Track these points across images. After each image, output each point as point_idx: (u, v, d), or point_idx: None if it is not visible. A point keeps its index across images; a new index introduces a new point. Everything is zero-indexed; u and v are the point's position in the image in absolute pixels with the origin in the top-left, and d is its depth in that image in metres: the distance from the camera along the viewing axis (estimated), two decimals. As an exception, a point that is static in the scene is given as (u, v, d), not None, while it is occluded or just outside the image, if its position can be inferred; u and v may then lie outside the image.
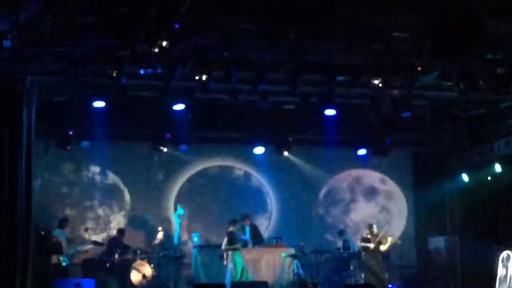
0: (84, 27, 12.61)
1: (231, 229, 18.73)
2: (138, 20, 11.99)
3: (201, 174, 21.67)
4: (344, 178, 22.57)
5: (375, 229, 18.66)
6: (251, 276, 18.43)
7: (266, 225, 21.77)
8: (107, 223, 20.78)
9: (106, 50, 13.57)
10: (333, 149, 20.85)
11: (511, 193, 19.00)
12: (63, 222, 18.50)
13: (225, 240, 18.42)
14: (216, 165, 21.77)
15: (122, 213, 20.97)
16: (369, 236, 18.60)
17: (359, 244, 19.04)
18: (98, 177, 21.04)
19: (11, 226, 13.40)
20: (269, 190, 21.97)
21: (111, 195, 21.02)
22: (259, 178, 21.98)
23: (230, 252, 18.27)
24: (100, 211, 20.89)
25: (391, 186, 22.48)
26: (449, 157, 21.48)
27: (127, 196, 20.98)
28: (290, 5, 12.11)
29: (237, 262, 18.18)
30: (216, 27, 12.90)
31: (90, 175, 21.03)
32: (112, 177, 21.03)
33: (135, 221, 20.81)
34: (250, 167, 21.81)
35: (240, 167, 21.90)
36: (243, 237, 19.59)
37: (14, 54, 13.25)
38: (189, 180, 21.59)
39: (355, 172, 22.54)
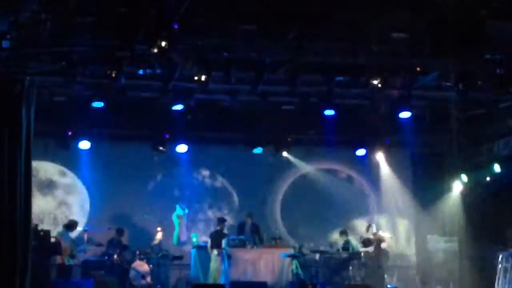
0: (83, 28, 12.62)
1: (218, 228, 18.87)
2: (137, 20, 12.00)
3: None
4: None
5: (374, 229, 18.65)
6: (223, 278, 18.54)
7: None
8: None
9: (105, 50, 13.58)
10: (333, 149, 20.85)
11: (510, 193, 18.97)
12: (70, 225, 18.46)
13: (210, 242, 18.60)
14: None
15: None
16: (367, 236, 18.59)
17: (360, 247, 19.05)
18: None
19: (10, 227, 13.37)
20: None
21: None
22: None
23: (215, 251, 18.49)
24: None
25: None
26: (448, 157, 21.45)
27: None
28: (289, 6, 12.11)
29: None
30: (215, 27, 12.90)
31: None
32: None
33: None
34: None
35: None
36: (241, 237, 19.60)
37: (13, 55, 13.25)
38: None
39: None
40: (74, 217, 19.63)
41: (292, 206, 22.05)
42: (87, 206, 20.85)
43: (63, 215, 20.35)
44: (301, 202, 22.07)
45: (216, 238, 18.96)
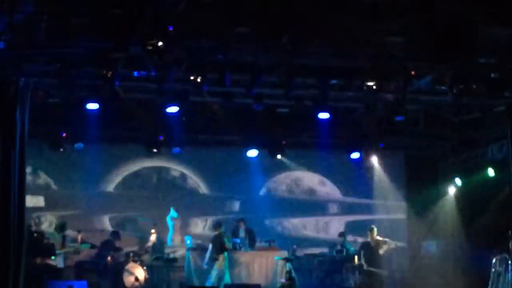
0: (78, 29, 12.58)
1: (216, 232, 18.88)
2: (132, 22, 11.99)
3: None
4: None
5: (375, 233, 18.67)
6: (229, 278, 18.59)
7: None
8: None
9: (100, 52, 13.55)
10: (327, 152, 20.87)
11: (504, 197, 19.01)
12: (62, 226, 18.44)
13: (211, 246, 18.60)
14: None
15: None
16: (369, 240, 18.60)
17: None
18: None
19: (4, 228, 13.38)
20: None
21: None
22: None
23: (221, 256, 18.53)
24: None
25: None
26: (442, 161, 21.50)
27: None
28: (284, 9, 12.11)
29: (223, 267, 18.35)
30: (210, 29, 12.89)
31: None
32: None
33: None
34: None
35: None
36: (235, 239, 19.62)
37: (7, 56, 13.22)
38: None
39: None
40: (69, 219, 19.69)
41: (288, 208, 22.13)
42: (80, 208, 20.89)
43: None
44: (298, 204, 22.18)
45: (217, 242, 18.98)
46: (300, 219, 22.56)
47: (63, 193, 20.91)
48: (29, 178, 18.74)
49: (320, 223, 22.63)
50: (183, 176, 21.95)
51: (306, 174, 22.60)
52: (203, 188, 22.07)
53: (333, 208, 22.48)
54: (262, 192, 22.40)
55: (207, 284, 18.50)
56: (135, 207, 21.14)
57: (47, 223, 20.30)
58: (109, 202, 21.32)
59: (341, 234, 20.91)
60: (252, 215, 21.51)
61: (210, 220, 21.39)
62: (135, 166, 21.41)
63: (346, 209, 22.57)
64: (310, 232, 22.44)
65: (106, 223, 21.02)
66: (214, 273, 18.66)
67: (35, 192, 20.31)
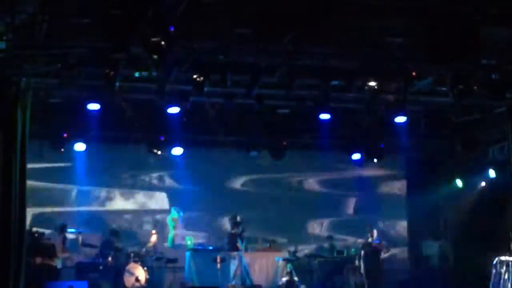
0: (79, 29, 12.60)
1: (233, 231, 18.91)
2: (133, 22, 11.98)
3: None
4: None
5: (375, 234, 18.66)
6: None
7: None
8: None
9: (101, 52, 13.54)
10: (328, 153, 20.87)
11: (505, 198, 19.01)
12: (62, 227, 18.45)
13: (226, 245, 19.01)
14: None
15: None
16: (369, 241, 18.59)
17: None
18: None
19: (4, 228, 13.38)
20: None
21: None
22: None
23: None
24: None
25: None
26: (443, 162, 21.48)
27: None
28: (285, 9, 12.11)
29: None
30: (211, 30, 12.89)
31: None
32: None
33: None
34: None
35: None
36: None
37: (9, 56, 13.21)
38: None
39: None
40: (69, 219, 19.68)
41: (287, 209, 22.11)
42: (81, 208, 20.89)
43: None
44: (297, 206, 22.16)
45: (232, 240, 19.01)
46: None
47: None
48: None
49: (319, 223, 22.56)
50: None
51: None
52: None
53: (333, 208, 22.41)
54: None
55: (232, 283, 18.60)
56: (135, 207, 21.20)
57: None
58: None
59: (329, 237, 21.03)
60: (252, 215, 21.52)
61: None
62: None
63: (346, 209, 22.53)
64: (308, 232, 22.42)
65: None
66: (232, 274, 18.72)
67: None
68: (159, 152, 19.74)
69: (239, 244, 18.95)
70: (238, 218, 19.81)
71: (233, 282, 18.53)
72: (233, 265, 18.85)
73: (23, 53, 13.47)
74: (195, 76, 14.58)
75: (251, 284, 18.68)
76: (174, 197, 21.51)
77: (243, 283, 18.60)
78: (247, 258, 19.43)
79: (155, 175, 21.68)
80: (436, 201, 21.57)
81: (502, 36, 13.21)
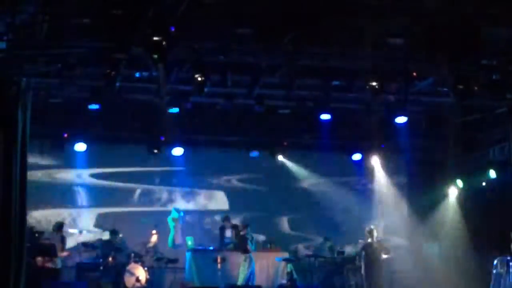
0: (80, 29, 12.60)
1: (242, 232, 18.94)
2: (134, 22, 11.98)
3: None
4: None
5: (375, 234, 18.64)
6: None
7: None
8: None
9: (101, 52, 13.55)
10: (328, 153, 20.86)
11: (505, 199, 18.99)
12: (59, 226, 18.45)
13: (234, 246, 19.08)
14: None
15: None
16: (369, 241, 18.58)
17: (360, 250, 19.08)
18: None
19: (5, 228, 13.37)
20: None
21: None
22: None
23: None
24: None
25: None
26: (444, 162, 21.46)
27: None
28: (285, 10, 12.11)
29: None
30: (211, 30, 12.89)
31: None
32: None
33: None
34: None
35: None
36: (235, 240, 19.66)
37: (9, 56, 13.21)
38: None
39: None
40: (70, 219, 19.69)
41: (287, 210, 22.15)
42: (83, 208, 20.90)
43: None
44: (299, 207, 22.19)
45: (241, 242, 19.04)
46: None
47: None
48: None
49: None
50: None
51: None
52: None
53: (333, 208, 22.38)
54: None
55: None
56: (135, 207, 21.24)
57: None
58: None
59: (326, 238, 21.09)
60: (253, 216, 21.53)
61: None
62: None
63: (347, 209, 22.48)
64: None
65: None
66: (241, 275, 18.73)
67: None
68: (159, 152, 19.71)
69: (249, 246, 18.98)
70: (246, 221, 19.96)
71: (246, 283, 18.58)
72: (243, 267, 18.85)
73: (24, 53, 13.47)
74: (195, 76, 14.57)
75: (231, 284, 18.67)
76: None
77: (247, 283, 18.61)
78: (248, 258, 19.47)
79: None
80: (437, 201, 21.54)
81: (502, 36, 13.20)
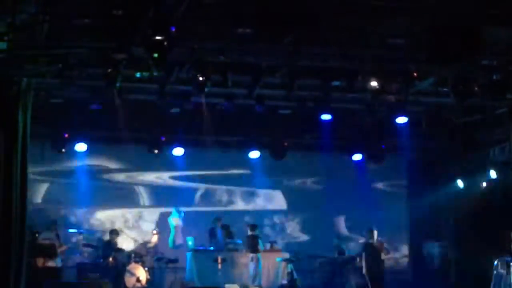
0: (80, 30, 12.62)
1: (250, 233, 18.94)
2: (134, 22, 11.99)
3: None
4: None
5: (375, 234, 18.65)
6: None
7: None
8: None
9: (102, 52, 13.55)
10: (329, 154, 20.87)
11: (505, 199, 19.00)
12: (52, 223, 18.47)
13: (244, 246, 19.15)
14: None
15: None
16: (370, 241, 18.59)
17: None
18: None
19: (5, 228, 13.39)
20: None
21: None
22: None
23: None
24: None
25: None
26: (444, 163, 21.48)
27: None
28: (286, 10, 12.11)
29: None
30: (212, 30, 12.90)
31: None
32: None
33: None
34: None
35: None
36: (237, 241, 19.65)
37: (10, 56, 13.22)
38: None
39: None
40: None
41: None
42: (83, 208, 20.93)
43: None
44: (299, 207, 22.22)
45: (251, 243, 19.10)
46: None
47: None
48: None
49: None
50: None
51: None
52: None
53: (333, 208, 22.40)
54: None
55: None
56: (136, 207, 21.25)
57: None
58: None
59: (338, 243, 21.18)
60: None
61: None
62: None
63: (347, 210, 22.50)
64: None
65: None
66: (249, 275, 18.78)
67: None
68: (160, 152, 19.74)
69: (259, 247, 19.04)
70: (254, 222, 20.00)
71: (253, 283, 18.62)
72: (251, 267, 18.90)
73: (24, 53, 13.47)
74: (196, 77, 14.58)
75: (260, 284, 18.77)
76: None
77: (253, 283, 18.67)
78: (248, 258, 19.44)
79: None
80: (436, 201, 21.55)
81: (502, 36, 13.20)
